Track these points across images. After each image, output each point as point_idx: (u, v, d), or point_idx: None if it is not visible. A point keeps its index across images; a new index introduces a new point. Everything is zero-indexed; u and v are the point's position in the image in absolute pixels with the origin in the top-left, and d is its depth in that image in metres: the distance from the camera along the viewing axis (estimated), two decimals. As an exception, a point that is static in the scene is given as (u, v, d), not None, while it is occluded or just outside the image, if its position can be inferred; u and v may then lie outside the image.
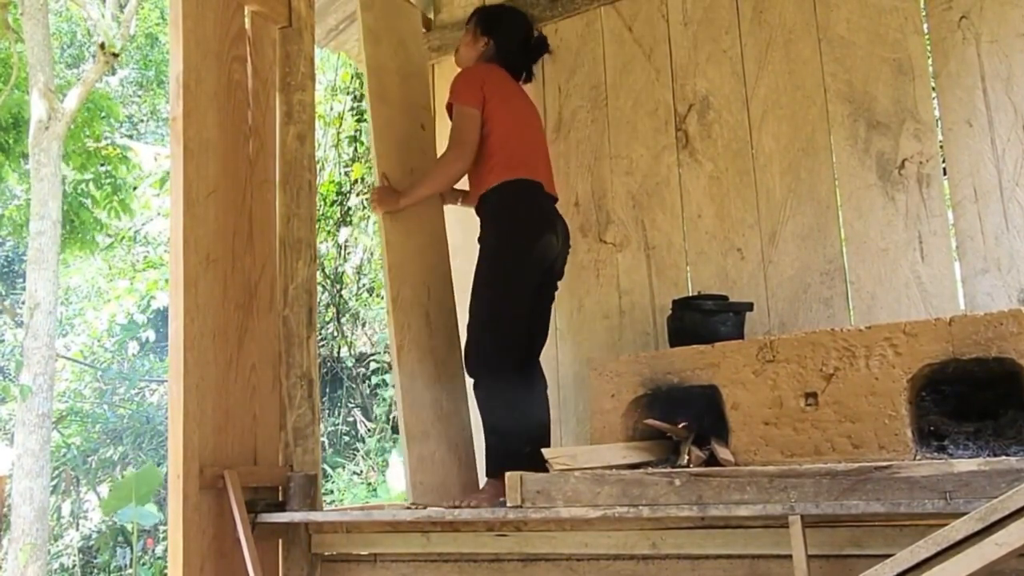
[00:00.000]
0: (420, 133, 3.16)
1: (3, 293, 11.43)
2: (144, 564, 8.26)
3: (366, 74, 3.05)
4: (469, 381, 2.77)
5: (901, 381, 2.04)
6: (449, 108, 2.82)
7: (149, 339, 9.55)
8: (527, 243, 2.69)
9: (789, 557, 1.71)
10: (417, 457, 2.73)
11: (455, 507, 2.33)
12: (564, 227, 2.84)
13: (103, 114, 7.91)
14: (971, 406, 2.11)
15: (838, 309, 2.87)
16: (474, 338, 2.69)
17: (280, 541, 2.53)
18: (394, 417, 7.88)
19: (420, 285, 2.94)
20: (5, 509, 6.48)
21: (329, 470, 6.97)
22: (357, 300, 7.75)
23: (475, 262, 2.75)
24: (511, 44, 2.96)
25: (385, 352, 7.35)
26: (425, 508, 2.43)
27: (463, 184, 2.93)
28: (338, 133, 7.15)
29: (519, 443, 2.56)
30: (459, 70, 2.93)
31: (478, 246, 2.77)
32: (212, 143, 2.51)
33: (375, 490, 6.57)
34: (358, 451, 7.28)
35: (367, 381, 7.51)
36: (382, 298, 7.46)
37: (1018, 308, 2.01)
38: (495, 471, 2.55)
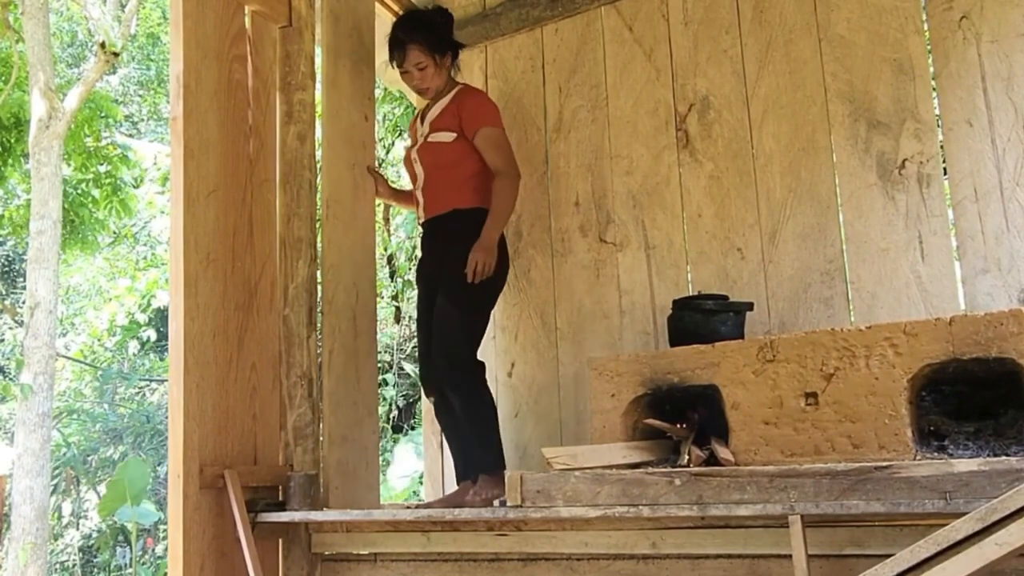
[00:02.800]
0: (363, 124, 3.08)
1: (4, 292, 11.44)
2: (144, 564, 8.27)
3: (323, 57, 2.95)
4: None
5: (901, 381, 2.04)
6: (474, 128, 2.83)
7: (149, 338, 9.56)
8: (503, 262, 2.87)
9: (789, 557, 1.71)
10: (336, 461, 2.72)
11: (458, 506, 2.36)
12: None
13: (103, 114, 7.91)
14: (971, 406, 2.11)
15: (838, 309, 2.87)
16: (453, 345, 2.73)
17: (280, 540, 2.53)
18: (394, 416, 7.88)
19: (351, 287, 2.89)
20: (5, 508, 6.49)
21: (329, 469, 6.96)
22: (357, 300, 7.73)
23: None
24: (458, 53, 3.03)
25: (386, 351, 7.35)
26: (426, 507, 2.44)
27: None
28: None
29: (498, 441, 2.74)
30: (476, 91, 3.03)
31: (453, 254, 2.78)
32: (212, 142, 2.51)
33: (375, 489, 6.55)
34: (358, 451, 7.27)
35: (367, 380, 7.50)
36: (382, 296, 7.47)
37: (1018, 308, 2.01)
38: (488, 468, 2.63)
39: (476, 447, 2.70)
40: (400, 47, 2.88)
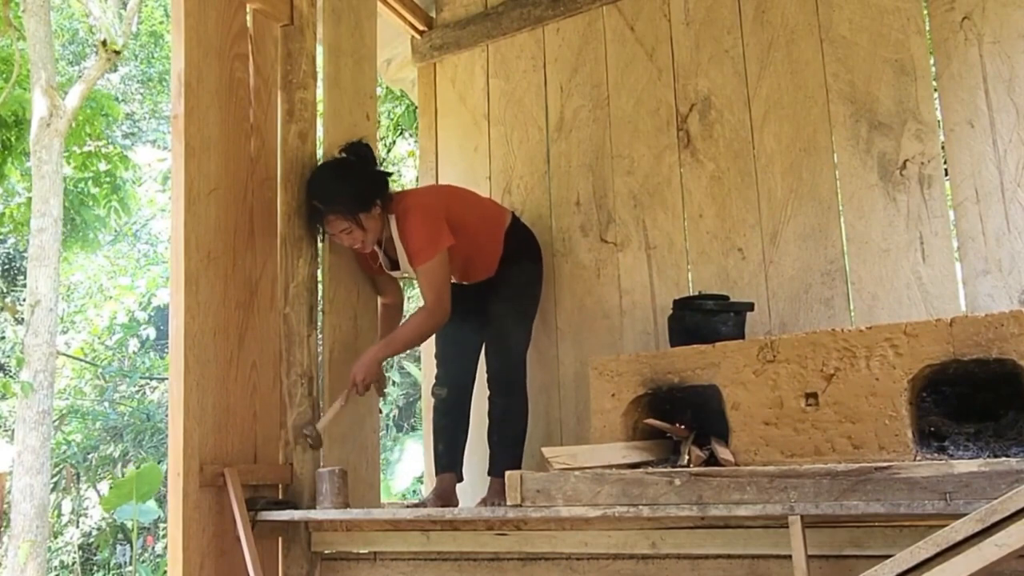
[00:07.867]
0: (364, 123, 3.05)
1: (4, 290, 11.43)
2: (144, 562, 8.28)
3: (324, 56, 2.93)
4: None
5: (902, 382, 2.04)
6: (416, 266, 2.73)
7: (150, 336, 9.57)
8: (539, 279, 3.19)
9: (789, 557, 1.71)
10: (336, 460, 2.70)
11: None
12: None
13: (104, 112, 7.90)
14: (971, 407, 2.11)
15: (839, 309, 2.87)
16: (515, 360, 2.98)
17: (280, 539, 2.54)
18: (395, 416, 7.88)
19: (351, 285, 2.88)
20: (5, 506, 6.49)
21: (329, 468, 6.96)
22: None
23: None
24: (385, 191, 2.72)
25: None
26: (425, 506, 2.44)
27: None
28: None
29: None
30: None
31: (514, 275, 2.98)
32: (213, 141, 2.51)
33: (375, 488, 6.56)
34: (358, 449, 7.27)
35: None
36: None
37: (1019, 309, 2.01)
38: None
39: (515, 453, 2.90)
40: (317, 216, 2.66)
